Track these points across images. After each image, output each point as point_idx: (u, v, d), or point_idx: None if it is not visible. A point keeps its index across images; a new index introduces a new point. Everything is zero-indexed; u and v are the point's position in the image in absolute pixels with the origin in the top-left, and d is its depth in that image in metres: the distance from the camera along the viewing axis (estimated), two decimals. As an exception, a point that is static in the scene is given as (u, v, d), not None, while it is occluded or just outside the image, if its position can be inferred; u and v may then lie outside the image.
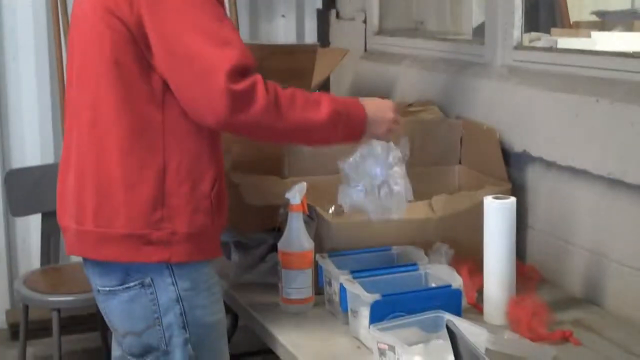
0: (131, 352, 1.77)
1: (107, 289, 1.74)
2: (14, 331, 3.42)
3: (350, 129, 1.79)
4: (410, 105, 2.61)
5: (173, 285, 1.71)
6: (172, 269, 1.70)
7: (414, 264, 1.95)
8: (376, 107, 1.84)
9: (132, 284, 1.71)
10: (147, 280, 1.70)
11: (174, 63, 1.62)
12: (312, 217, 2.03)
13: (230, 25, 1.67)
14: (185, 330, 1.72)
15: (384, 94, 2.99)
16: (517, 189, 2.23)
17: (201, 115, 1.64)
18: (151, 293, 1.71)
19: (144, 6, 1.62)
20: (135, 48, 1.64)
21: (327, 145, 1.84)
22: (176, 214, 1.68)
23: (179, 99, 1.65)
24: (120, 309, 1.74)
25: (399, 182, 1.87)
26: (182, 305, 1.72)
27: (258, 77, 1.64)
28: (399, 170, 1.87)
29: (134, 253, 1.68)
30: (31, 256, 3.54)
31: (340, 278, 1.85)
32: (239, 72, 1.60)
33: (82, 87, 1.72)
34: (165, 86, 1.65)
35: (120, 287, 1.72)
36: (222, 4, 1.70)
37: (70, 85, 1.79)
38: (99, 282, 1.75)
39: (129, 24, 1.63)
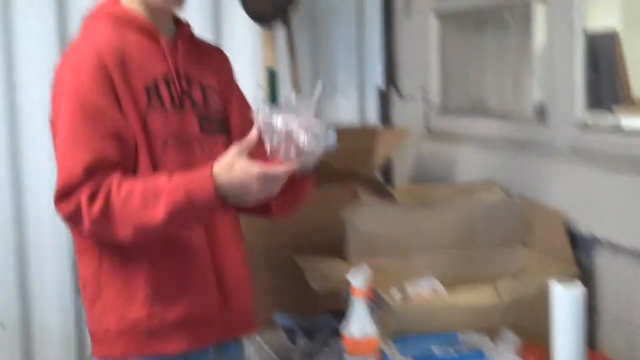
0: None
1: None
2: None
3: (199, 213, 1.65)
4: (469, 186, 2.60)
5: None
6: None
7: (479, 352, 1.91)
8: (238, 182, 1.61)
9: None
10: None
11: None
12: (377, 304, 2.01)
13: (84, 135, 1.64)
14: None
15: (446, 175, 3.00)
16: (586, 273, 2.19)
17: None
18: None
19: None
20: None
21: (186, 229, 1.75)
22: (109, 307, 1.73)
23: None
24: None
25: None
26: None
27: (82, 195, 1.60)
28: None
29: (94, 350, 1.79)
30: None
31: (404, 366, 1.83)
32: (64, 195, 1.62)
33: None
34: None
35: None
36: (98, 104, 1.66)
37: None
38: None
39: None
